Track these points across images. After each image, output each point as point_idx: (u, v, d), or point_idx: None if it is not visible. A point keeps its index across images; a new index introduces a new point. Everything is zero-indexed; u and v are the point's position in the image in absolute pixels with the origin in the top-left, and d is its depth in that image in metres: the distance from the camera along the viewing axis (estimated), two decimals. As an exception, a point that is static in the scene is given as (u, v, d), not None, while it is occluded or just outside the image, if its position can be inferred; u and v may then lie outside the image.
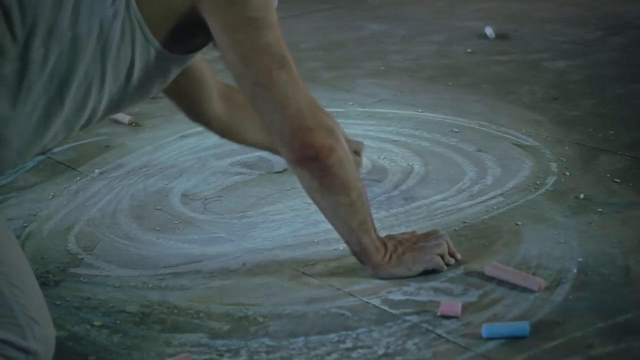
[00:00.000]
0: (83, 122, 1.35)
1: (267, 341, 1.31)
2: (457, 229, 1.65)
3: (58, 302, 1.44)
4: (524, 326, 1.29)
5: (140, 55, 1.33)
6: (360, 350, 1.28)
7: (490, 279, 1.45)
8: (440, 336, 1.30)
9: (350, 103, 2.49)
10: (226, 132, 1.86)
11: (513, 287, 1.42)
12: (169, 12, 1.33)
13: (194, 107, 1.79)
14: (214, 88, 1.78)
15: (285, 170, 1.93)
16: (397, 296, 1.41)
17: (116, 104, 1.39)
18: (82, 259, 1.60)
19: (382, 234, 1.52)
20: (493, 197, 1.79)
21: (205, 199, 1.85)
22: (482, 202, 1.77)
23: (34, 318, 1.17)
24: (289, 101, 1.35)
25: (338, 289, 1.45)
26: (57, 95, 1.28)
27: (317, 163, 1.37)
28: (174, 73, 1.43)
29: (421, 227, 1.63)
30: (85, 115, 1.34)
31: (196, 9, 1.33)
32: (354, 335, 1.31)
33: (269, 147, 1.89)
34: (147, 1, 1.30)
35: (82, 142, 2.20)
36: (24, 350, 1.15)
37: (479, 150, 2.06)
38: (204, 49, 1.43)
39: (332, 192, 1.40)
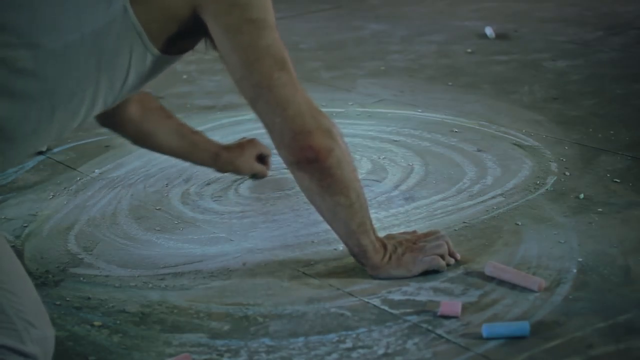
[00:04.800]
0: (74, 126, 1.36)
1: (267, 341, 1.31)
2: (457, 229, 1.65)
3: (58, 302, 1.44)
4: (524, 326, 1.29)
5: (137, 63, 1.33)
6: (360, 350, 1.28)
7: (490, 279, 1.45)
8: (440, 336, 1.30)
9: (350, 103, 2.49)
10: (139, 136, 1.78)
11: (513, 287, 1.42)
12: (170, 19, 1.33)
13: (110, 108, 1.73)
14: None
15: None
16: (397, 296, 1.41)
17: (109, 106, 1.39)
18: (82, 259, 1.60)
19: (382, 234, 1.52)
20: (493, 197, 1.79)
21: (205, 199, 1.85)
22: (482, 202, 1.77)
23: (30, 322, 1.16)
24: (289, 103, 1.35)
25: (338, 289, 1.45)
26: (48, 106, 1.27)
27: (316, 164, 1.37)
28: (165, 69, 1.43)
29: (421, 227, 1.63)
30: (77, 121, 1.34)
31: (197, 13, 1.33)
32: (354, 335, 1.31)
33: (182, 154, 1.82)
34: (145, 9, 1.29)
35: (82, 142, 2.20)
36: (23, 354, 1.14)
37: (479, 150, 2.06)
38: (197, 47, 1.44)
39: (331, 193, 1.40)
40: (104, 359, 1.29)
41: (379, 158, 2.04)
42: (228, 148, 1.84)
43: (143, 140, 1.80)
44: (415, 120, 2.31)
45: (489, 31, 3.25)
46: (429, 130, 2.22)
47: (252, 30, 1.33)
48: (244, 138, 1.88)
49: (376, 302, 1.40)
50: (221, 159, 1.82)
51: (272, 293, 1.45)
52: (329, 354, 1.27)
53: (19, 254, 1.61)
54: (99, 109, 1.36)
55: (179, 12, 1.33)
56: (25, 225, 1.75)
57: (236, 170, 1.86)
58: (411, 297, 1.41)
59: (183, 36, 1.36)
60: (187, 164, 2.02)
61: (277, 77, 1.34)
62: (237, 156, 1.83)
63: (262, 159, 1.87)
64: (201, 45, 1.43)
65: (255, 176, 1.88)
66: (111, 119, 1.73)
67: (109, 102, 1.37)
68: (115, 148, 2.16)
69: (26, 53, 1.24)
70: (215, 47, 1.38)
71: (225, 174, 1.89)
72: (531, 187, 1.83)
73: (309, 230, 1.67)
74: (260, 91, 1.35)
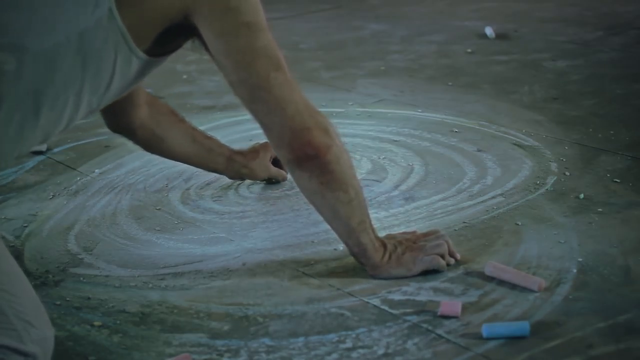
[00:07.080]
0: (60, 129, 1.35)
1: (267, 341, 1.31)
2: (457, 229, 1.65)
3: (58, 302, 1.44)
4: (524, 326, 1.29)
5: (122, 66, 1.32)
6: (360, 350, 1.28)
7: (490, 279, 1.45)
8: (440, 336, 1.30)
9: (350, 103, 2.49)
10: (151, 142, 1.78)
11: (513, 287, 1.42)
12: (158, 22, 1.32)
13: (119, 112, 1.71)
14: (141, 94, 1.72)
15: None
16: (397, 296, 1.41)
17: (94, 109, 1.39)
18: (82, 259, 1.60)
19: (382, 234, 1.52)
20: (493, 197, 1.79)
21: (205, 199, 1.85)
22: (482, 202, 1.77)
23: (30, 322, 1.16)
24: (287, 103, 1.36)
25: (338, 289, 1.45)
26: (32, 109, 1.26)
27: (315, 161, 1.37)
28: (150, 72, 1.43)
29: (421, 227, 1.63)
30: (62, 124, 1.33)
31: (189, 18, 1.33)
32: (354, 335, 1.31)
33: (196, 160, 1.82)
34: (133, 12, 1.28)
35: (82, 142, 2.20)
36: (23, 354, 1.14)
37: (479, 150, 2.06)
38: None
39: (331, 190, 1.40)
40: (104, 359, 1.29)
41: (379, 158, 2.04)
42: (241, 152, 1.84)
43: (156, 146, 1.80)
44: (415, 120, 2.31)
45: (489, 31, 3.25)
46: (429, 130, 2.22)
47: (248, 33, 1.33)
48: (257, 143, 1.87)
49: (376, 302, 1.40)
50: (236, 163, 1.83)
51: (272, 293, 1.45)
52: (329, 354, 1.27)
53: (19, 254, 1.61)
54: (83, 112, 1.35)
55: (169, 16, 1.32)
56: (25, 225, 1.75)
57: (252, 174, 1.85)
58: (411, 297, 1.41)
59: (171, 38, 1.36)
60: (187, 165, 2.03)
61: (274, 77, 1.35)
62: (252, 159, 1.84)
63: (277, 162, 1.86)
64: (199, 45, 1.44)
65: (271, 180, 1.88)
66: (121, 125, 1.73)
67: (93, 105, 1.36)
68: (115, 148, 2.17)
69: (10, 56, 1.23)
70: (206, 48, 1.38)
71: (242, 181, 1.88)
72: (531, 187, 1.83)
73: (309, 230, 1.67)
74: (258, 92, 1.36)
